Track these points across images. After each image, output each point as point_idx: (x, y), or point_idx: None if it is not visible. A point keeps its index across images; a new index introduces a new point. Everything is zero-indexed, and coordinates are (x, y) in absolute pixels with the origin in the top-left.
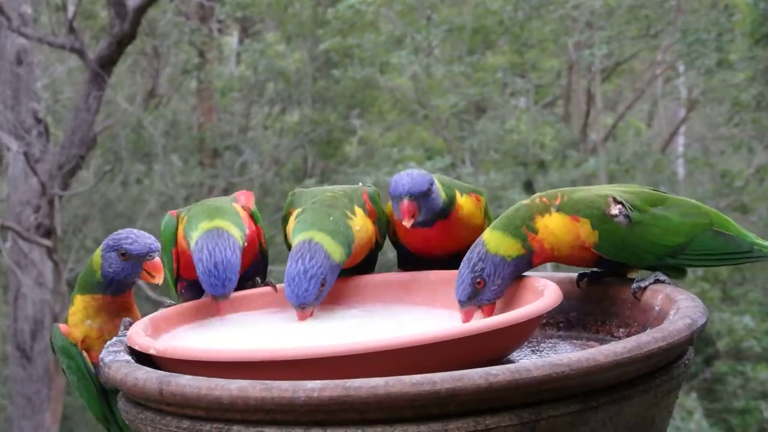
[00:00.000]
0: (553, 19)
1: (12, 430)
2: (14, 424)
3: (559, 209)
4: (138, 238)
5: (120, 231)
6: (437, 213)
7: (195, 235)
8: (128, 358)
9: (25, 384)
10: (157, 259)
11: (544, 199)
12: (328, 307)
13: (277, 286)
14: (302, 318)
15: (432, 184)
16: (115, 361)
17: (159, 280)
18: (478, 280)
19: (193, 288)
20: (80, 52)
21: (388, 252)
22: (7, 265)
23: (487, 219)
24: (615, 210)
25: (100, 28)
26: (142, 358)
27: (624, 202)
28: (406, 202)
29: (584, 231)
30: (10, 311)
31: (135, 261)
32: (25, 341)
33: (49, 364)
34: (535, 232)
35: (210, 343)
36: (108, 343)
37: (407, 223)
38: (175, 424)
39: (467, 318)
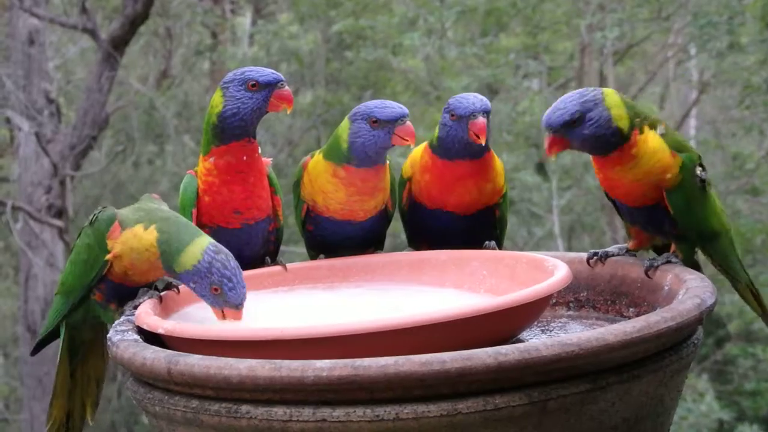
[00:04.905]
0: (566, 1)
1: (22, 411)
2: (24, 405)
3: (663, 135)
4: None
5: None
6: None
7: None
8: (136, 337)
9: (36, 365)
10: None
11: (655, 118)
12: (337, 286)
13: (287, 265)
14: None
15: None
16: (122, 341)
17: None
18: (579, 114)
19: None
20: (92, 33)
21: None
22: (18, 246)
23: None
24: (698, 171)
25: (113, 8)
26: (151, 337)
27: (704, 168)
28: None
29: (674, 169)
30: (21, 292)
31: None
32: (36, 322)
33: (59, 345)
34: (641, 131)
35: (219, 322)
36: (116, 322)
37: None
38: (184, 403)
39: (550, 145)
